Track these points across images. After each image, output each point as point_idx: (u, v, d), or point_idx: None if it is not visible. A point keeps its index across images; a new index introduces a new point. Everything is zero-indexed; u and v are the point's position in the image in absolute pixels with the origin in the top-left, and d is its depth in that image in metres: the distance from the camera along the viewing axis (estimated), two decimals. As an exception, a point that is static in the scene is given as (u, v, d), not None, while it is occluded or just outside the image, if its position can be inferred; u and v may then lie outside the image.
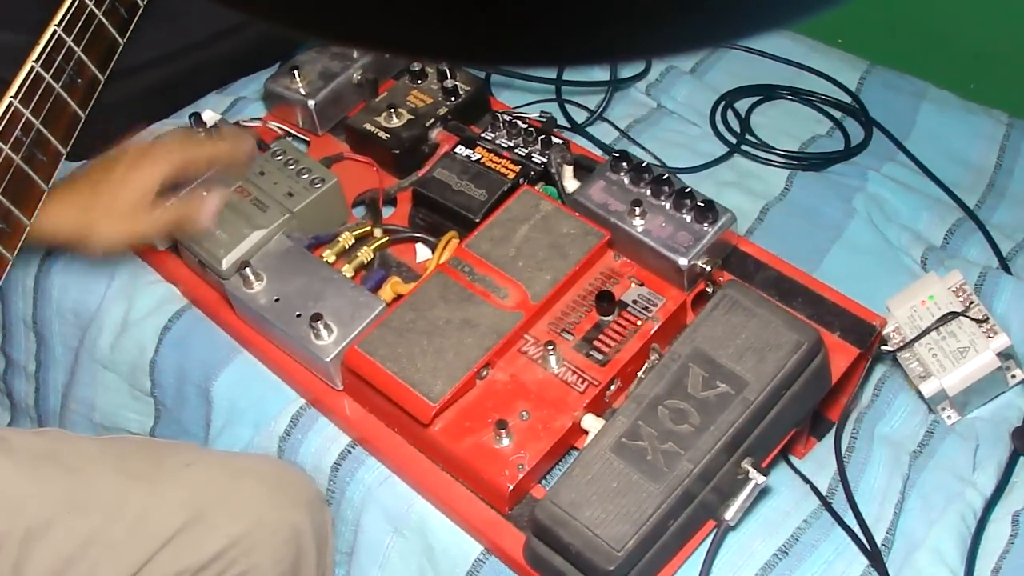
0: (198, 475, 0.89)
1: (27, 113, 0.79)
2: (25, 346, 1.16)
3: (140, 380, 1.06)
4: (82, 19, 0.85)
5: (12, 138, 0.78)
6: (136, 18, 0.94)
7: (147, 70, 1.19)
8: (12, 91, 0.79)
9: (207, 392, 1.00)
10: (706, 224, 0.90)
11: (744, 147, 1.20)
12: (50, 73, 0.81)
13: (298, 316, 0.90)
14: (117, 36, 0.90)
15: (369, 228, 1.00)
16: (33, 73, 0.80)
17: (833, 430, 0.93)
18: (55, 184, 0.81)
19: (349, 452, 0.92)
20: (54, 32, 0.82)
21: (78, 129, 0.86)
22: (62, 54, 0.83)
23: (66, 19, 0.83)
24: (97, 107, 0.91)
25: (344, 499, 0.92)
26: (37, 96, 0.80)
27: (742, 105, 1.26)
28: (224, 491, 0.88)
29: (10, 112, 0.78)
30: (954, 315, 0.94)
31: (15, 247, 0.80)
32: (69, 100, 0.83)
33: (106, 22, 0.87)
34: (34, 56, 0.80)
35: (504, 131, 1.03)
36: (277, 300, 0.91)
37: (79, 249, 0.84)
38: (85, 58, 0.85)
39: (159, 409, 1.07)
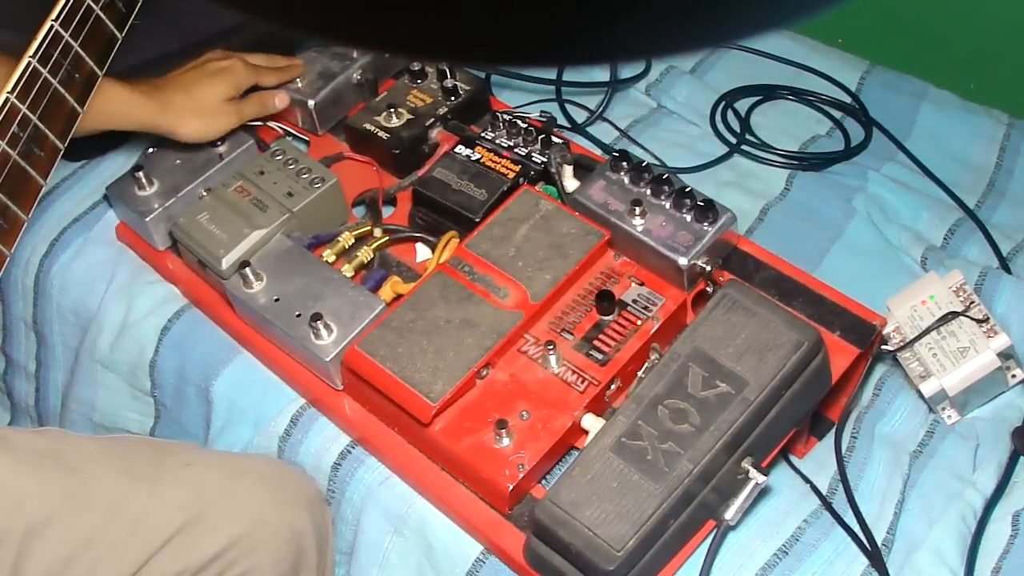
0: (198, 475, 0.89)
1: (24, 108, 0.79)
2: (25, 346, 1.16)
3: (140, 380, 1.06)
4: (79, 14, 0.85)
5: (9, 134, 0.78)
6: (135, 13, 0.94)
7: (147, 70, 1.18)
8: (9, 87, 0.79)
9: (207, 392, 1.00)
10: (706, 224, 0.90)
11: (744, 147, 1.20)
12: (47, 68, 0.81)
13: (298, 316, 0.90)
14: (115, 31, 0.89)
15: (369, 228, 1.00)
16: (30, 69, 0.80)
17: (833, 430, 0.93)
18: (111, 77, 0.93)
19: (349, 452, 0.92)
20: (51, 27, 0.82)
21: (76, 124, 0.85)
22: (59, 49, 0.82)
23: (63, 14, 0.83)
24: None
25: (344, 499, 0.92)
26: (34, 92, 0.80)
27: (742, 105, 1.26)
28: (224, 491, 0.88)
29: (7, 108, 0.78)
30: (954, 315, 0.94)
31: (13, 243, 0.79)
32: (67, 95, 0.83)
33: (104, 17, 0.87)
34: (31, 52, 0.80)
35: (504, 131, 1.03)
36: (277, 300, 0.91)
37: (163, 134, 1.00)
38: (83, 53, 0.84)
39: (159, 409, 1.07)
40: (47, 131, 0.81)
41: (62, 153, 0.84)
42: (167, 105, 0.97)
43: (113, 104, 0.93)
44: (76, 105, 0.84)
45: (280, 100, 1.08)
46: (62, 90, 0.82)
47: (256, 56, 1.08)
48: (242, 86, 1.04)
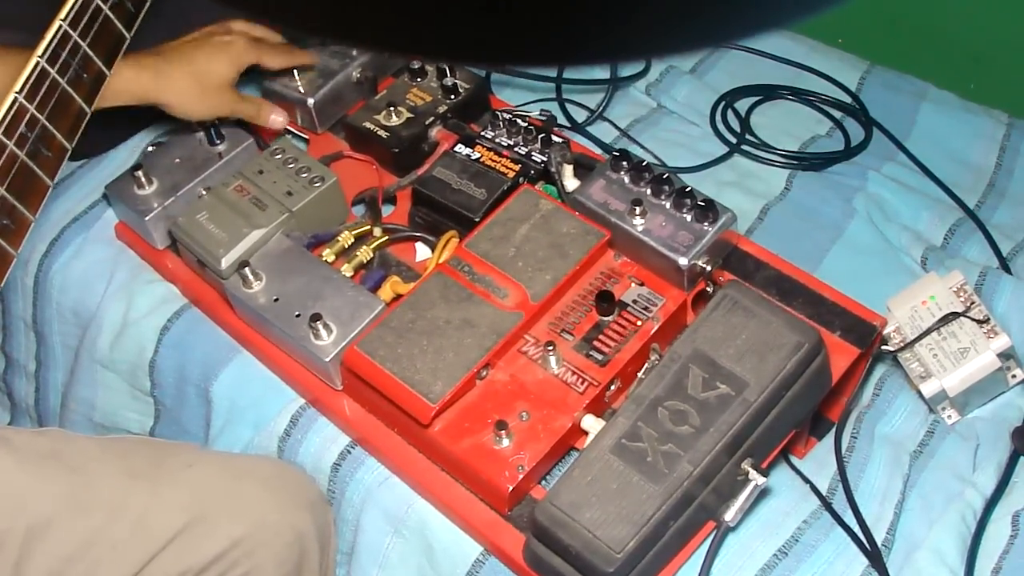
0: (200, 476, 0.88)
1: (32, 109, 0.79)
2: (25, 345, 1.16)
3: (140, 380, 1.05)
4: (88, 14, 0.85)
5: (17, 134, 0.78)
6: (143, 12, 0.93)
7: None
8: (17, 87, 0.79)
9: (207, 392, 0.99)
10: (706, 224, 0.90)
11: (744, 147, 1.20)
12: (55, 68, 0.81)
13: (297, 316, 0.90)
14: (124, 31, 0.89)
15: (368, 227, 0.99)
16: (38, 69, 0.80)
17: (833, 430, 0.93)
18: (128, 56, 0.93)
19: (349, 452, 0.92)
20: (59, 27, 0.82)
21: (84, 124, 0.85)
22: (67, 49, 0.82)
23: (72, 14, 0.83)
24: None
25: (344, 499, 0.92)
26: (42, 92, 0.80)
27: (742, 105, 1.26)
28: (226, 492, 0.88)
29: (15, 108, 0.78)
30: (955, 315, 0.94)
31: (20, 243, 0.79)
32: (75, 95, 0.83)
33: (112, 16, 0.87)
34: (39, 52, 0.80)
35: (504, 130, 1.03)
36: (276, 300, 0.91)
37: (156, 105, 0.96)
38: (91, 53, 0.84)
39: (159, 409, 1.07)
40: (55, 131, 0.81)
41: (69, 153, 0.84)
42: (163, 75, 0.95)
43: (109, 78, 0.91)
44: (84, 105, 0.84)
45: (275, 120, 1.06)
46: (70, 90, 0.82)
47: (260, 28, 1.05)
48: (243, 64, 1.01)
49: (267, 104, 1.06)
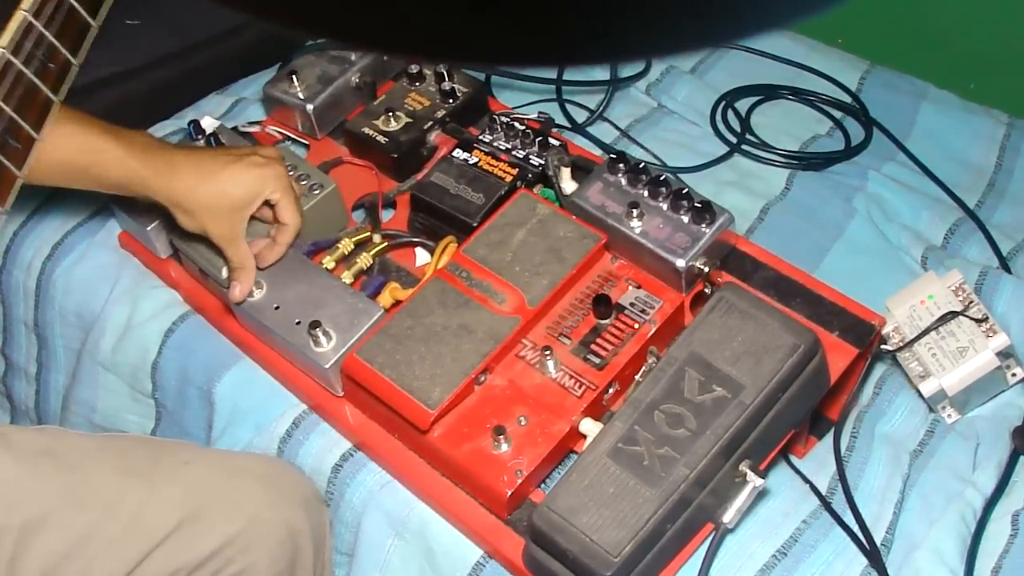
0: (195, 473, 0.89)
1: None
2: (26, 348, 1.17)
3: (141, 382, 1.06)
4: (52, 3, 0.85)
5: None
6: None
7: (148, 71, 1.19)
8: None
9: (209, 394, 1.00)
10: (704, 225, 0.90)
11: (744, 147, 1.20)
12: (20, 59, 0.81)
13: (297, 323, 0.90)
14: (88, 18, 0.89)
15: (368, 233, 0.99)
16: (3, 59, 0.80)
17: (833, 429, 0.92)
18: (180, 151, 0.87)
19: (351, 455, 0.92)
20: (23, 18, 0.82)
21: (51, 113, 0.86)
22: (32, 39, 0.83)
23: (35, 4, 0.83)
24: (99, 108, 0.91)
25: (344, 501, 0.92)
26: (8, 82, 0.81)
27: (742, 105, 1.26)
28: (221, 489, 0.88)
29: None
30: (953, 314, 0.93)
31: None
32: (41, 85, 0.83)
33: (77, 5, 0.87)
34: (3, 42, 0.80)
35: (502, 133, 1.03)
36: (277, 307, 0.92)
37: (171, 213, 0.88)
38: (56, 42, 0.85)
39: (160, 411, 1.07)
40: (22, 122, 0.81)
41: (37, 143, 0.84)
42: (179, 178, 0.86)
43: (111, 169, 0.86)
44: (51, 94, 0.84)
45: (235, 286, 0.92)
46: (36, 80, 0.82)
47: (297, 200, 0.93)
48: (266, 193, 0.89)
49: (249, 272, 0.92)
